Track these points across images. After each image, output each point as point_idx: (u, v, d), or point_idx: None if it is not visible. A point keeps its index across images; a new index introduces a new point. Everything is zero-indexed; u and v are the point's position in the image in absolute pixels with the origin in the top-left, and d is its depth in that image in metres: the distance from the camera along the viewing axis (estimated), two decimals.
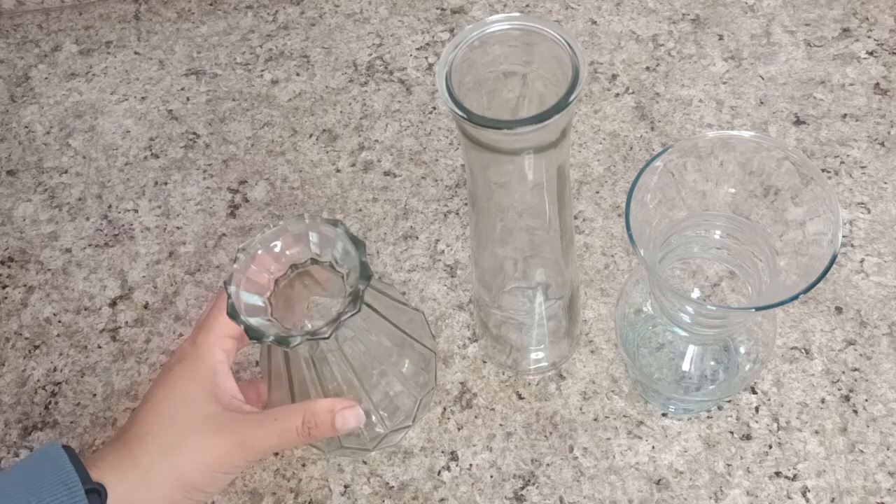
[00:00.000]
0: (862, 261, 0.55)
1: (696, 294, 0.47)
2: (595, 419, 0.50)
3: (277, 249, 0.39)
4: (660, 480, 0.48)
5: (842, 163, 0.59)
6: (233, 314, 0.37)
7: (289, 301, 0.41)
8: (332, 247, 0.39)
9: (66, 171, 0.66)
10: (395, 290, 0.47)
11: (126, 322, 0.57)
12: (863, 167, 0.58)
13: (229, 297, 0.37)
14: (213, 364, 0.41)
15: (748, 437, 0.49)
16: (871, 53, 0.64)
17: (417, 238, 0.59)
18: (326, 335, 0.36)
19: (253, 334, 0.37)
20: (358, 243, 0.38)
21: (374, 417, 0.45)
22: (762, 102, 0.62)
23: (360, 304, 0.37)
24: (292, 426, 0.40)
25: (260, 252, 0.39)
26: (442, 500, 0.49)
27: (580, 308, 0.54)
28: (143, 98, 0.69)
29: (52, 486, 0.35)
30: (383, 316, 0.43)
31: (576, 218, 0.58)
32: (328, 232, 0.39)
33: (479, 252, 0.44)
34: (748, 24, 0.67)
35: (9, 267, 0.61)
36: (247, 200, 0.62)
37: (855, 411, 0.49)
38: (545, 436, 0.50)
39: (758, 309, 0.34)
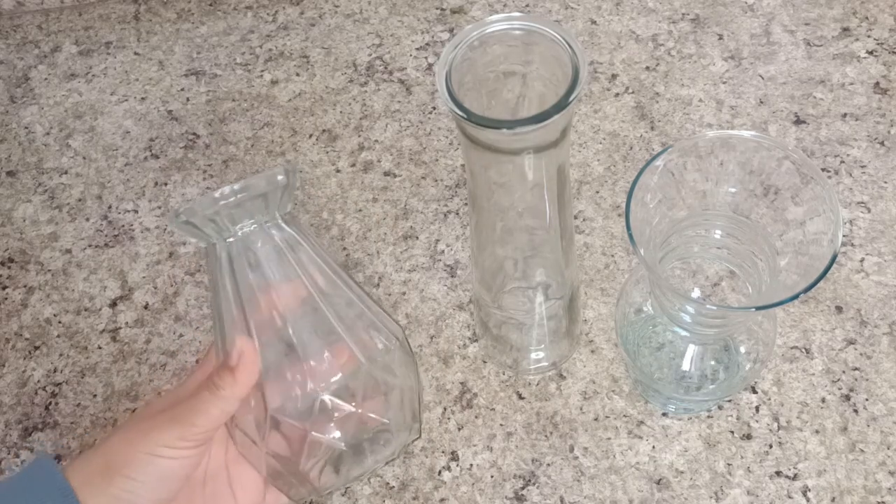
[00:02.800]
0: (862, 260, 0.55)
1: (696, 294, 0.47)
2: (595, 419, 0.50)
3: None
4: (660, 480, 0.48)
5: (842, 162, 0.59)
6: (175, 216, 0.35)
7: None
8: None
9: (66, 172, 0.66)
10: (374, 298, 0.41)
11: (126, 323, 0.57)
12: (863, 166, 0.58)
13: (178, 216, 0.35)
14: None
15: (748, 437, 0.49)
16: (870, 53, 0.64)
17: (417, 238, 0.59)
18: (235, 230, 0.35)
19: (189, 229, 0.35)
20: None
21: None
22: (762, 102, 0.62)
23: (285, 204, 0.36)
24: (204, 373, 0.37)
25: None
26: (442, 500, 0.49)
27: (580, 308, 0.54)
28: (142, 98, 0.69)
29: (50, 495, 0.35)
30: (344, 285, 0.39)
31: (576, 218, 0.58)
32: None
33: (479, 252, 0.44)
34: (748, 24, 0.67)
35: (9, 268, 0.61)
36: None
37: (855, 411, 0.49)
38: (545, 436, 0.50)
39: (758, 308, 0.34)
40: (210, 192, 0.35)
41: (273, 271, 0.36)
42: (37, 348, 0.57)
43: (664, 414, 0.50)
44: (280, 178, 0.35)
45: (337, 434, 0.38)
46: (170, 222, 0.35)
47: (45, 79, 0.72)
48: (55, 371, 0.56)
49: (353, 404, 0.37)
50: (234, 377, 0.36)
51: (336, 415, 0.37)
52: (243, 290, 0.36)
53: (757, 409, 0.50)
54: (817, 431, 0.49)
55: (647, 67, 0.65)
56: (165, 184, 0.64)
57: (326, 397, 0.36)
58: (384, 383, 0.39)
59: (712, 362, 0.47)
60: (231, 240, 0.36)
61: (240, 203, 0.35)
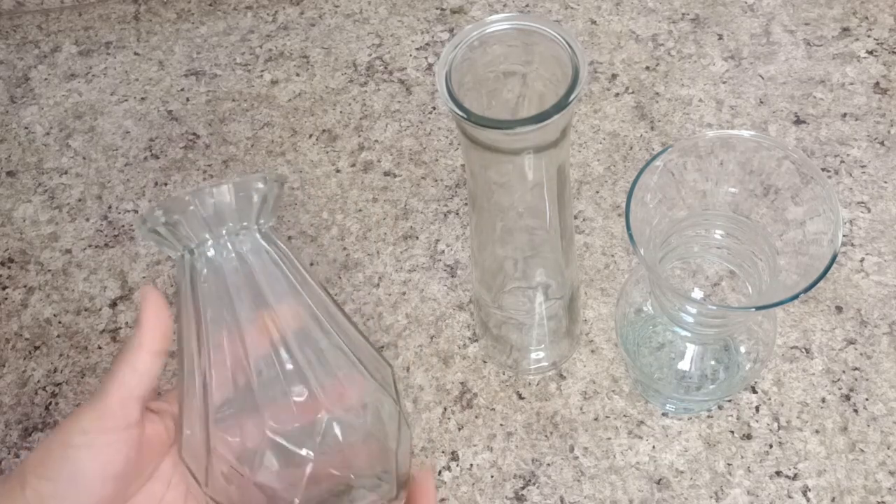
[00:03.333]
0: (862, 260, 0.55)
1: (696, 294, 0.47)
2: (595, 419, 0.50)
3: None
4: (660, 480, 0.48)
5: (842, 162, 0.59)
6: (143, 221, 0.31)
7: None
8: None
9: (66, 172, 0.66)
10: (364, 336, 0.35)
11: (126, 323, 0.57)
12: (863, 166, 0.58)
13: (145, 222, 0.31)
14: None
15: (749, 437, 0.49)
16: (870, 52, 0.64)
17: (417, 238, 0.59)
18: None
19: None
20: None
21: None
22: (762, 102, 0.62)
23: (269, 214, 0.32)
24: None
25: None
26: (442, 500, 0.49)
27: (580, 308, 0.54)
28: (142, 99, 0.69)
29: None
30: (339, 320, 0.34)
31: (576, 218, 0.58)
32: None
33: (479, 252, 0.44)
34: (748, 24, 0.67)
35: (9, 268, 0.61)
36: None
37: (855, 410, 0.49)
38: (546, 436, 0.50)
39: (758, 308, 0.34)
40: (182, 193, 0.32)
41: (248, 291, 0.32)
42: (37, 348, 0.57)
43: (664, 414, 0.50)
44: (260, 185, 0.32)
45: (286, 486, 0.31)
46: (136, 228, 0.31)
47: (45, 79, 0.72)
48: (55, 371, 0.56)
49: (313, 454, 0.31)
50: (138, 325, 0.31)
51: (288, 466, 0.31)
52: (215, 308, 0.31)
53: (757, 409, 0.50)
54: (817, 431, 0.49)
55: (647, 67, 0.65)
56: (165, 184, 0.64)
57: (276, 438, 0.30)
58: (387, 407, 0.33)
59: (712, 362, 0.47)
60: (203, 251, 0.32)
61: (219, 209, 0.31)
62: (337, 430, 0.32)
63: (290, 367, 0.31)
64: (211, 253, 0.32)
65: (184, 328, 0.32)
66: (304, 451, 0.31)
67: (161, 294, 0.32)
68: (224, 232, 0.32)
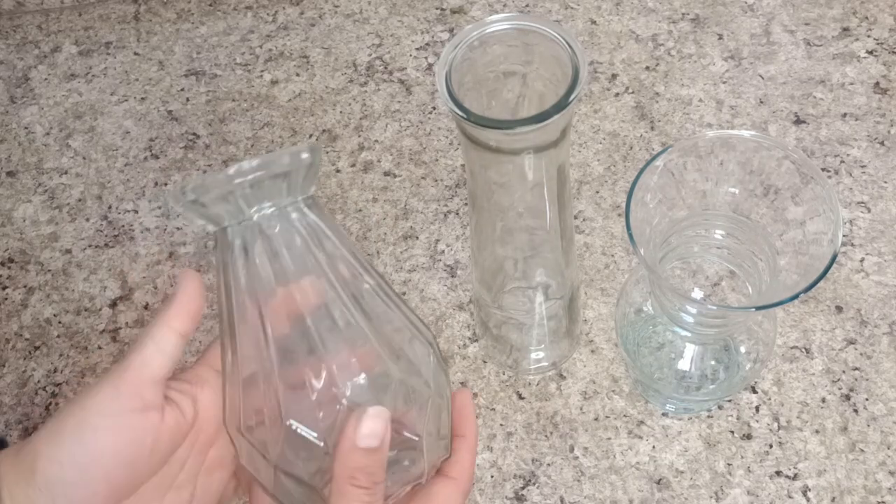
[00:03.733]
0: (862, 260, 0.55)
1: (696, 294, 0.47)
2: (595, 419, 0.50)
3: None
4: (660, 480, 0.48)
5: (842, 162, 0.59)
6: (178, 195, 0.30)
7: None
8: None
9: (65, 172, 0.66)
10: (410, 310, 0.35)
11: (126, 323, 0.57)
12: (863, 166, 0.58)
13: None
14: None
15: (749, 437, 0.49)
16: (870, 52, 0.64)
17: (417, 238, 0.59)
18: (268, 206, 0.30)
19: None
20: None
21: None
22: (762, 102, 0.62)
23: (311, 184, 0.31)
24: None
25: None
26: None
27: (580, 308, 0.54)
28: (142, 99, 0.69)
29: None
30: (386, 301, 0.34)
31: (576, 218, 0.58)
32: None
33: (479, 252, 0.44)
34: (748, 24, 0.67)
35: (9, 268, 0.61)
36: None
37: (855, 410, 0.49)
38: (546, 435, 0.50)
39: (758, 308, 0.34)
40: (224, 168, 0.31)
41: (294, 262, 0.31)
42: (37, 348, 0.57)
43: (664, 414, 0.50)
44: (305, 156, 0.31)
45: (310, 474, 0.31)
46: (173, 201, 0.30)
47: (45, 79, 0.72)
48: (55, 371, 0.56)
49: (325, 444, 0.31)
50: (169, 303, 0.30)
51: (302, 451, 0.31)
52: (258, 282, 0.31)
53: (757, 408, 0.50)
54: (817, 431, 0.49)
55: (647, 67, 0.65)
56: (165, 184, 0.64)
57: (348, 403, 0.31)
58: (415, 393, 0.33)
59: (712, 362, 0.47)
60: (246, 224, 0.31)
61: (258, 182, 0.30)
62: (405, 387, 0.32)
63: (350, 327, 0.31)
64: (241, 231, 0.31)
65: (223, 303, 0.32)
66: (321, 440, 0.31)
67: (199, 278, 0.31)
68: (257, 209, 0.31)
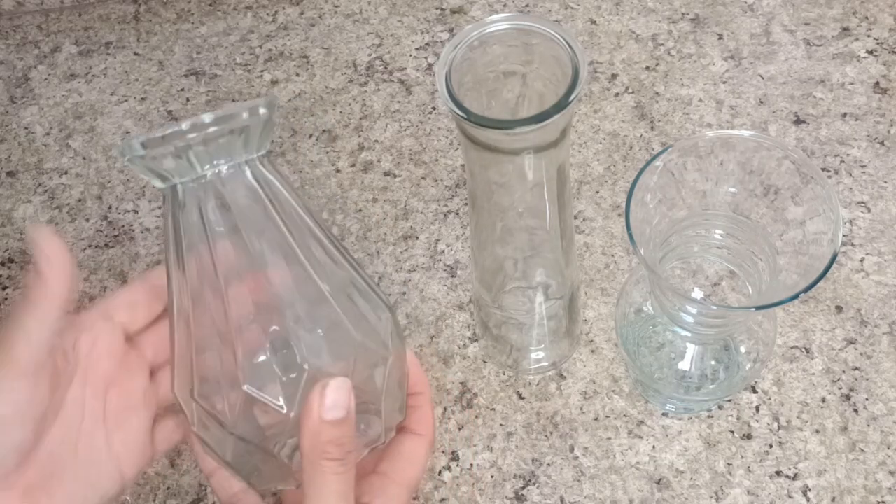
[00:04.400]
0: (862, 260, 0.55)
1: (696, 293, 0.47)
2: (595, 419, 0.50)
3: None
4: (660, 480, 0.48)
5: (842, 162, 0.59)
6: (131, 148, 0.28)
7: None
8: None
9: (65, 172, 0.66)
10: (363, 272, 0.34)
11: None
12: (863, 166, 0.58)
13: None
14: None
15: (749, 437, 0.49)
16: (870, 52, 0.64)
17: (417, 238, 0.59)
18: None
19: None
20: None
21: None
22: (762, 102, 0.62)
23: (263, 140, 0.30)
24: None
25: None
26: (443, 500, 0.49)
27: (580, 308, 0.54)
28: (142, 99, 0.69)
29: None
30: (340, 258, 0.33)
31: (576, 217, 0.58)
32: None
33: (479, 252, 0.44)
34: (748, 24, 0.67)
35: (9, 268, 0.61)
36: None
37: (855, 410, 0.49)
38: (546, 435, 0.50)
39: (758, 308, 0.34)
40: (176, 122, 0.29)
41: (249, 223, 0.30)
42: None
43: (664, 414, 0.50)
44: (263, 111, 0.29)
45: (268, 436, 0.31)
46: (123, 154, 0.28)
47: (45, 79, 0.72)
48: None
49: (288, 409, 0.31)
50: (43, 280, 0.29)
51: (266, 417, 0.31)
52: (213, 243, 0.30)
53: (757, 408, 0.50)
54: (817, 431, 0.49)
55: (647, 67, 0.65)
56: None
57: (309, 368, 0.30)
58: (374, 356, 0.33)
59: (712, 362, 0.47)
60: (199, 182, 0.30)
61: (214, 137, 0.28)
62: (364, 349, 0.32)
63: (309, 290, 0.31)
64: (194, 189, 0.30)
65: (172, 264, 0.31)
66: (278, 405, 0.30)
67: (55, 235, 0.30)
68: (211, 166, 0.29)
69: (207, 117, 0.28)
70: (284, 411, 0.30)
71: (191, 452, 0.35)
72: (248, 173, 0.30)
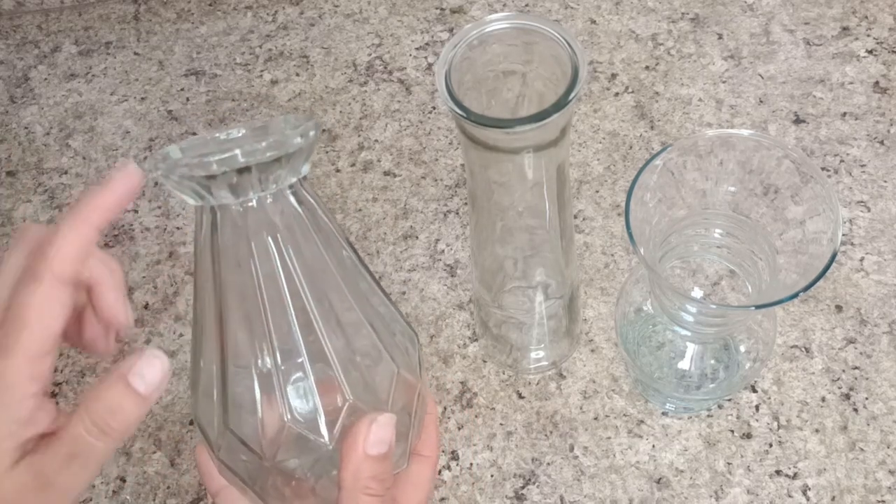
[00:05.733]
0: (862, 259, 0.55)
1: (696, 293, 0.47)
2: (595, 418, 0.50)
3: None
4: (660, 479, 0.48)
5: (841, 161, 0.59)
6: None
7: None
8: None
9: (65, 172, 0.66)
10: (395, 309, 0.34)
11: None
12: (862, 165, 0.58)
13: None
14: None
15: (748, 436, 0.49)
16: (870, 52, 0.64)
17: (417, 238, 0.59)
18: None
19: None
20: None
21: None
22: (762, 101, 0.62)
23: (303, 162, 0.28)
24: (78, 433, 0.27)
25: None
26: (443, 499, 0.49)
27: (580, 307, 0.54)
28: (142, 98, 0.69)
29: None
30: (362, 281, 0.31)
31: (576, 217, 0.58)
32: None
33: (479, 251, 0.44)
34: (747, 23, 0.67)
35: None
36: None
37: (855, 409, 0.49)
38: (546, 435, 0.50)
39: (758, 307, 0.34)
40: (218, 136, 0.27)
41: (293, 248, 0.29)
42: None
43: (664, 413, 0.50)
44: (312, 133, 0.28)
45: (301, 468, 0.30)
46: (162, 172, 0.27)
47: (45, 79, 0.72)
48: (55, 371, 0.56)
49: (329, 442, 0.30)
50: (127, 420, 0.28)
51: (304, 453, 0.30)
52: (257, 268, 0.28)
53: (757, 408, 0.50)
54: (817, 430, 0.49)
55: (647, 67, 0.65)
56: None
57: (356, 403, 0.30)
58: (410, 386, 0.32)
59: (712, 361, 0.47)
60: (242, 204, 0.28)
61: (265, 164, 0.27)
62: (404, 383, 0.31)
63: (353, 323, 0.30)
64: (236, 211, 0.28)
65: (204, 287, 0.29)
66: (321, 439, 0.30)
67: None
68: (255, 192, 0.28)
69: (261, 143, 0.27)
70: (326, 445, 0.30)
71: (196, 466, 0.34)
72: (292, 197, 0.29)
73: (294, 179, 0.29)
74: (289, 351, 0.29)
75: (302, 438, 0.30)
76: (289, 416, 0.29)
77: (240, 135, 0.29)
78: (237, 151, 0.26)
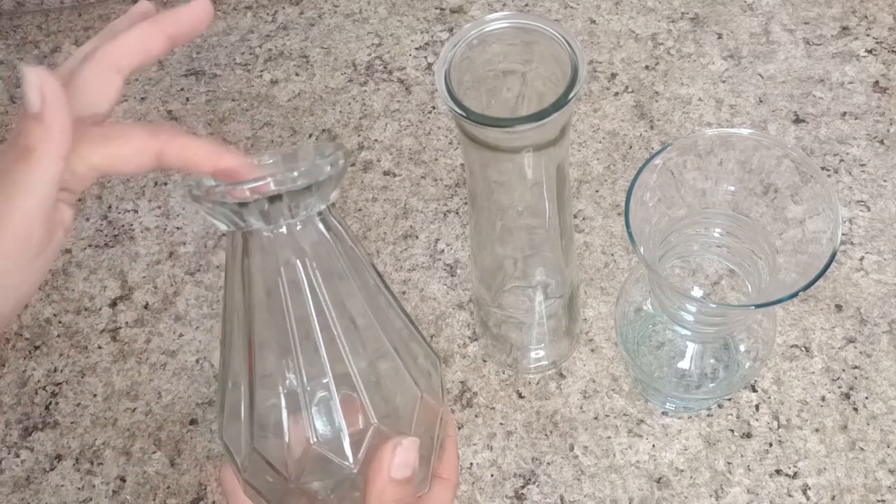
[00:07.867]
0: (862, 259, 0.55)
1: (695, 292, 0.47)
2: (595, 418, 0.50)
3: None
4: (660, 479, 0.48)
5: (841, 161, 0.59)
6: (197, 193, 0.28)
7: None
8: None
9: None
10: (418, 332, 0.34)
11: (126, 322, 0.57)
12: (862, 165, 0.59)
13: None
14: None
15: (748, 435, 0.49)
16: (870, 51, 0.64)
17: (417, 237, 0.59)
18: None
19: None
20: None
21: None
22: (761, 101, 0.62)
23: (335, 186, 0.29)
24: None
25: None
26: None
27: (580, 307, 0.54)
28: (142, 98, 0.69)
29: None
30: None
31: (575, 217, 0.58)
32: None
33: (478, 251, 0.44)
34: (747, 23, 0.67)
35: None
36: None
37: (855, 409, 0.49)
38: (545, 434, 0.50)
39: (757, 307, 0.35)
40: (258, 169, 0.27)
41: (323, 274, 0.29)
42: (37, 348, 0.57)
43: (664, 413, 0.50)
44: (342, 162, 0.29)
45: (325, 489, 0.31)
46: (195, 199, 0.28)
47: None
48: (55, 371, 0.56)
49: (354, 466, 0.30)
50: (43, 126, 0.27)
51: (328, 475, 0.30)
52: (286, 293, 0.29)
53: (757, 407, 0.50)
54: (817, 430, 0.49)
55: (647, 66, 0.65)
56: (165, 183, 0.64)
57: (380, 427, 0.30)
58: (433, 410, 0.32)
59: (712, 361, 0.47)
60: (273, 230, 0.29)
61: (297, 193, 0.28)
62: (427, 406, 0.31)
63: (377, 346, 0.30)
64: (266, 237, 0.29)
65: (234, 311, 0.30)
66: (346, 462, 0.30)
67: (49, 74, 0.28)
68: (285, 219, 0.29)
69: (293, 172, 0.27)
70: (351, 467, 0.30)
71: (218, 487, 0.33)
72: (321, 224, 0.30)
73: (323, 206, 0.30)
74: (315, 373, 0.30)
75: (326, 460, 0.30)
76: (315, 439, 0.29)
77: (270, 162, 0.30)
78: (269, 180, 0.27)
